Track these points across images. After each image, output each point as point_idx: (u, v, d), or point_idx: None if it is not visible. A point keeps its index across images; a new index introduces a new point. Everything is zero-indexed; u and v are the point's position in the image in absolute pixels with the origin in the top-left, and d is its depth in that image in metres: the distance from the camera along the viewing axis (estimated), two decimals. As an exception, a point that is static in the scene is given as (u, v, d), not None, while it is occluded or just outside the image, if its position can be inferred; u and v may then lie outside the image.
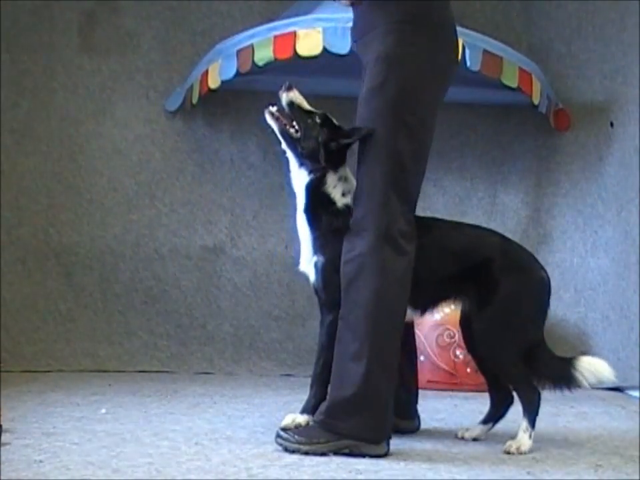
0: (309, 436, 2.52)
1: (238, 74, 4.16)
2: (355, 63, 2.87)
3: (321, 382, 2.69)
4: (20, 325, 4.42)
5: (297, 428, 2.60)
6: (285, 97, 2.77)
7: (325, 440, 2.49)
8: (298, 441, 2.51)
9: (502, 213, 4.82)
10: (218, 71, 4.21)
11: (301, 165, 2.76)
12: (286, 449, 2.50)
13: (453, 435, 2.87)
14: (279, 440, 2.54)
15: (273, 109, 2.77)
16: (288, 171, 2.84)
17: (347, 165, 2.80)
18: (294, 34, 3.91)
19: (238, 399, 3.61)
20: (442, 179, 4.84)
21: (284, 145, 2.81)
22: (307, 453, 2.47)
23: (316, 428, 2.54)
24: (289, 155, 2.80)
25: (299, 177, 2.76)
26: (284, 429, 2.58)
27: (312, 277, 2.75)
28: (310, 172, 2.74)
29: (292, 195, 2.86)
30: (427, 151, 2.69)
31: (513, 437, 2.86)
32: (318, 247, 2.71)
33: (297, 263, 2.82)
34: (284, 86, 2.79)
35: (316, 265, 2.71)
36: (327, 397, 2.61)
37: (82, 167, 4.65)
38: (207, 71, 4.31)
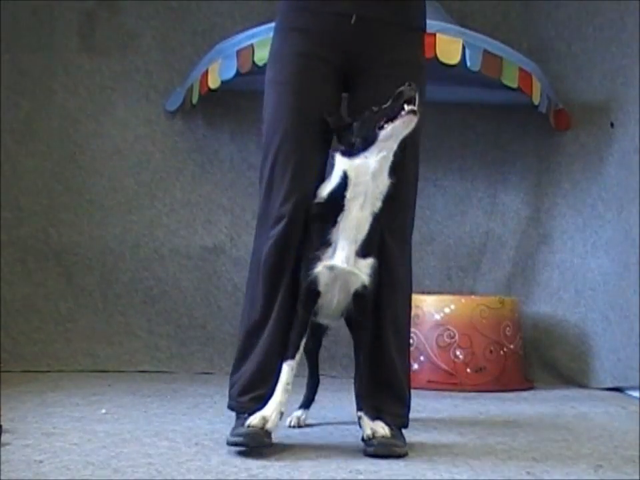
0: (403, 438, 2.56)
1: (238, 74, 4.16)
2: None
3: None
4: (20, 325, 4.42)
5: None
6: (417, 97, 2.51)
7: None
8: (403, 444, 2.51)
9: (502, 212, 4.82)
10: (218, 71, 4.21)
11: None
12: (399, 455, 2.45)
13: (453, 435, 2.87)
14: (392, 448, 2.46)
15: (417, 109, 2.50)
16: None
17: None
18: (294, 34, 3.90)
19: (238, 399, 3.60)
20: (442, 179, 4.84)
21: (394, 149, 2.51)
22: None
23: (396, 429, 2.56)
24: (390, 157, 2.52)
25: (383, 180, 2.52)
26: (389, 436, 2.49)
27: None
28: (391, 176, 2.55)
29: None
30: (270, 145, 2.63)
31: (514, 437, 2.87)
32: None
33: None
34: (414, 85, 2.51)
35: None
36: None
37: (82, 167, 4.65)
38: (207, 71, 4.31)
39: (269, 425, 2.43)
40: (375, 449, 2.45)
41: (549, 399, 3.88)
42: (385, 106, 2.50)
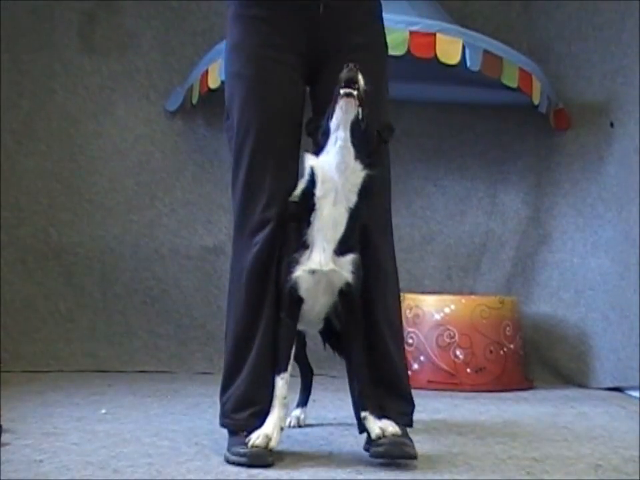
0: (410, 437, 2.45)
1: (238, 74, 4.15)
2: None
3: None
4: (20, 325, 4.42)
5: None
6: (361, 79, 2.34)
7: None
8: (412, 444, 2.40)
9: (502, 212, 4.82)
10: (218, 71, 4.20)
11: (358, 158, 2.37)
12: (411, 456, 2.34)
13: (453, 435, 2.87)
14: (404, 447, 2.35)
15: (355, 92, 2.32)
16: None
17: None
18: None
19: (238, 399, 3.60)
20: (442, 179, 4.84)
21: (346, 136, 2.35)
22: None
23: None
24: (349, 147, 2.36)
25: (354, 172, 2.38)
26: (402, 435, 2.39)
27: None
28: (366, 166, 2.39)
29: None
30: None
31: (514, 437, 2.87)
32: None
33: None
34: (354, 65, 2.34)
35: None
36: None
37: (82, 167, 4.65)
38: (206, 71, 4.31)
39: (272, 444, 2.33)
40: (387, 449, 2.33)
41: (549, 398, 3.88)
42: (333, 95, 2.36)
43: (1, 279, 4.40)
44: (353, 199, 2.39)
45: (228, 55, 2.56)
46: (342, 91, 2.31)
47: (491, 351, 4.11)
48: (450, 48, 3.93)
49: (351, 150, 2.36)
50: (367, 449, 2.42)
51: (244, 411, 2.41)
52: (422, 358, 4.09)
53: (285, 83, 2.49)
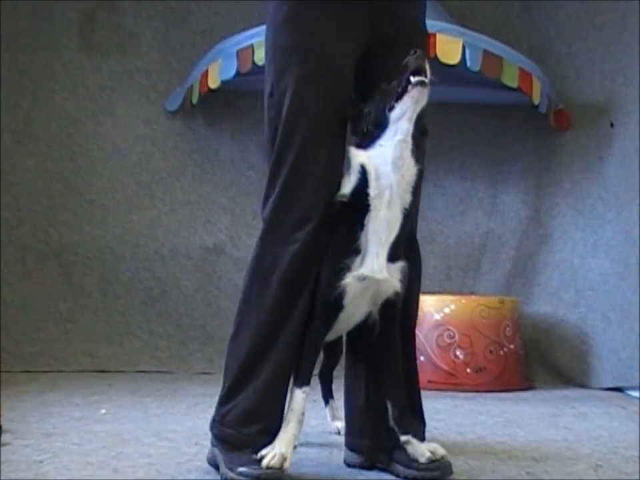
0: None
1: (238, 74, 4.16)
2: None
3: None
4: (20, 325, 4.42)
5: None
6: (428, 68, 2.15)
7: None
8: None
9: (502, 212, 4.82)
10: (218, 71, 4.21)
11: (413, 153, 2.17)
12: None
13: (453, 435, 2.87)
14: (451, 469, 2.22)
15: (427, 79, 2.12)
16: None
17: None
18: (294, 34, 3.90)
19: (238, 399, 3.60)
20: (442, 179, 4.84)
21: (409, 129, 2.15)
22: None
23: None
24: (408, 141, 2.15)
25: (409, 169, 2.16)
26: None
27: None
28: (417, 161, 2.19)
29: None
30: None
31: (514, 437, 2.87)
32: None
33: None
34: (421, 52, 2.14)
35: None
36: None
37: (82, 167, 4.65)
38: (206, 71, 4.31)
39: (286, 465, 2.08)
40: (442, 473, 2.18)
41: (549, 398, 3.88)
42: (392, 83, 2.15)
43: (1, 279, 4.40)
44: (408, 198, 2.17)
45: (280, 27, 2.22)
46: (414, 79, 2.09)
47: (490, 351, 4.11)
48: (450, 48, 3.93)
49: (410, 144, 2.14)
50: (405, 474, 2.22)
51: (253, 425, 2.15)
52: (422, 358, 4.09)
53: (347, 65, 2.23)
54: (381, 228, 2.14)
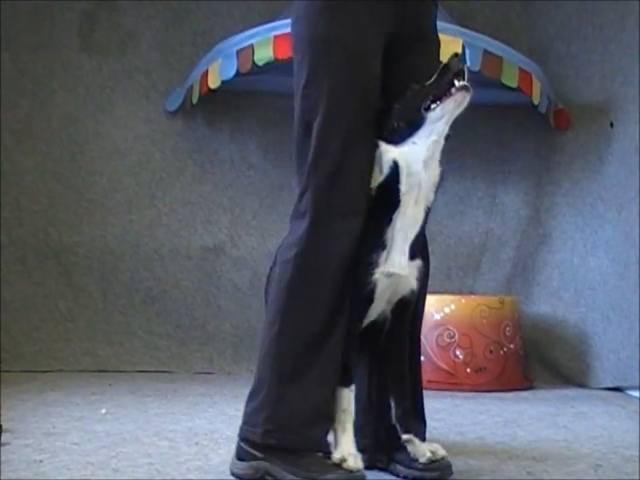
0: None
1: (238, 74, 4.16)
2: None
3: None
4: (20, 325, 4.42)
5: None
6: (466, 70, 2.20)
7: None
8: None
9: (502, 212, 4.82)
10: (218, 71, 4.21)
11: (440, 153, 2.26)
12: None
13: (453, 435, 2.87)
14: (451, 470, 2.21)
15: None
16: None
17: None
18: (294, 34, 3.91)
19: (238, 398, 3.59)
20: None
21: (445, 131, 2.21)
22: None
23: None
24: (441, 142, 2.23)
25: (436, 169, 2.26)
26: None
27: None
28: (440, 163, 2.29)
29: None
30: None
31: (514, 437, 2.87)
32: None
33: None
34: (458, 54, 2.26)
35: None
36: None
37: (82, 167, 4.65)
38: (206, 71, 4.31)
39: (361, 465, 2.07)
40: (442, 474, 2.18)
41: (549, 398, 3.88)
42: (429, 83, 2.17)
43: (1, 279, 4.40)
44: (432, 197, 2.21)
45: (316, 18, 2.19)
46: (458, 83, 2.13)
47: (490, 351, 4.11)
48: (450, 48, 3.92)
49: (441, 145, 2.20)
50: (404, 474, 2.22)
51: (318, 426, 2.08)
52: (422, 358, 4.07)
53: (378, 58, 2.21)
54: (408, 224, 2.15)
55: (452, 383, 4.05)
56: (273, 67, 4.05)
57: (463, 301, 4.19)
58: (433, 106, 2.14)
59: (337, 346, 2.11)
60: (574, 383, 4.30)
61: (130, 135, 4.70)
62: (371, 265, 2.13)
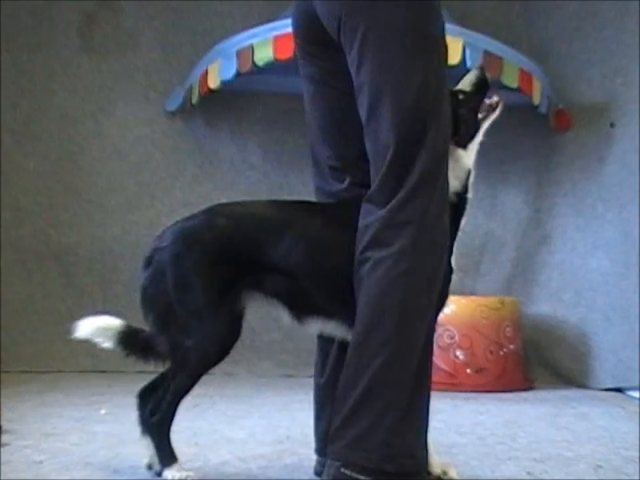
0: None
1: (238, 74, 4.15)
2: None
3: None
4: (20, 325, 4.42)
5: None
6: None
7: None
8: None
9: (502, 213, 4.82)
10: (218, 70, 4.21)
11: None
12: None
13: (453, 435, 2.87)
14: None
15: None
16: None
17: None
18: (294, 34, 3.91)
19: (238, 398, 3.60)
20: (442, 179, 4.83)
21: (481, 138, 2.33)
22: None
23: None
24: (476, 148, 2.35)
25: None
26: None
27: None
28: None
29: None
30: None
31: (514, 437, 2.87)
32: None
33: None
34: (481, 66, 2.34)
35: None
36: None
37: (82, 167, 4.65)
38: (206, 71, 4.31)
39: None
40: None
41: (549, 398, 3.88)
42: (470, 91, 2.26)
43: (1, 279, 4.40)
44: None
45: (429, 17, 2.33)
46: (497, 98, 2.30)
47: (491, 352, 4.11)
48: (450, 48, 3.90)
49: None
50: None
51: (424, 447, 2.05)
52: (422, 358, 4.09)
53: None
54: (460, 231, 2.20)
55: (452, 383, 4.05)
56: (273, 67, 4.06)
57: (463, 301, 4.19)
58: (485, 116, 2.29)
59: (431, 359, 2.11)
60: (574, 384, 4.30)
61: (130, 135, 4.70)
62: (451, 272, 2.14)
